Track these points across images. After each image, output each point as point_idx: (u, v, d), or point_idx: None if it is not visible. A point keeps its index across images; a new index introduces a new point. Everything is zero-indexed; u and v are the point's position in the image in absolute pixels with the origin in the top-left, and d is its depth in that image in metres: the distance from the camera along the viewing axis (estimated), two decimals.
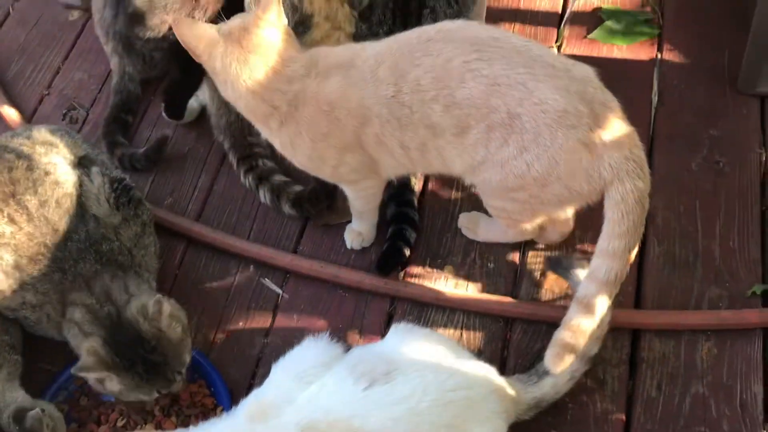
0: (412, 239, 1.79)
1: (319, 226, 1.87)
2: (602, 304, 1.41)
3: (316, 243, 1.86)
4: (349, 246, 1.82)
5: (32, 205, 1.53)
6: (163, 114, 2.03)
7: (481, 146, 1.42)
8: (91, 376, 1.46)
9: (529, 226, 1.62)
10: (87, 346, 1.46)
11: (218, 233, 1.86)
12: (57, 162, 1.61)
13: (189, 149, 2.03)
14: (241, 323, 1.76)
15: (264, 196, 1.89)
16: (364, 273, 1.76)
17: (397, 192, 1.82)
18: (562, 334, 1.42)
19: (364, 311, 1.74)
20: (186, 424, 1.55)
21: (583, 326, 1.41)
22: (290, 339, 1.70)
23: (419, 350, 1.40)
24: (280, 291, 1.79)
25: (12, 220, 1.52)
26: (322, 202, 1.83)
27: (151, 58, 1.99)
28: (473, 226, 1.80)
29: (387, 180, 1.66)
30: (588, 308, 1.41)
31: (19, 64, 2.23)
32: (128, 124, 2.06)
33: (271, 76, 1.42)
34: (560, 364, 1.41)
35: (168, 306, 1.50)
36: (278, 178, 1.90)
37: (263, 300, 1.79)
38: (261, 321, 1.76)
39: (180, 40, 1.42)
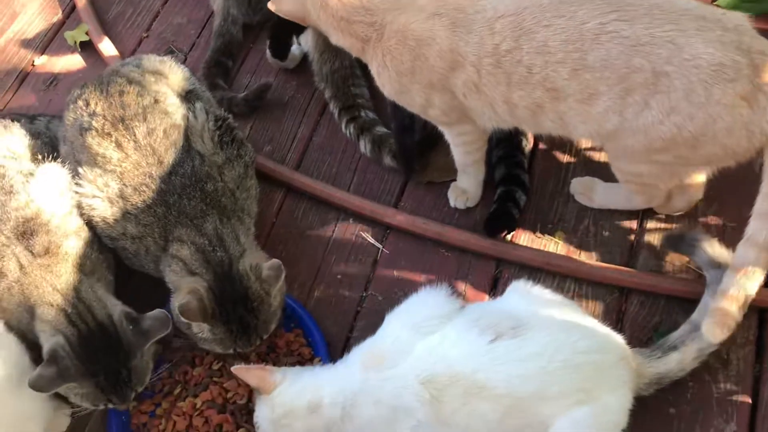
0: (522, 202, 1.70)
1: (422, 183, 1.80)
2: (762, 270, 1.31)
3: (417, 200, 1.78)
4: (452, 204, 1.74)
5: (140, 132, 1.48)
6: (267, 52, 1.97)
7: (614, 113, 1.33)
8: (190, 321, 1.41)
9: (662, 191, 1.52)
10: (191, 286, 1.41)
11: (319, 183, 1.79)
12: (166, 92, 1.57)
13: (289, 98, 1.98)
14: (339, 276, 1.69)
15: (365, 146, 1.82)
16: (470, 233, 1.68)
17: (507, 153, 1.74)
18: (722, 303, 1.33)
19: (467, 273, 1.66)
20: None
21: (742, 294, 1.31)
22: (390, 295, 1.64)
23: (545, 309, 1.31)
24: (380, 246, 1.73)
25: (119, 146, 1.48)
26: (408, 159, 1.77)
27: (258, 0, 1.94)
28: (588, 192, 1.70)
29: (487, 131, 1.57)
30: (747, 275, 1.31)
31: (120, 5, 2.21)
32: (228, 68, 2.01)
33: (351, 11, 1.44)
34: (721, 334, 1.33)
35: (283, 274, 1.45)
36: (380, 129, 1.83)
37: (363, 254, 1.72)
38: (360, 275, 1.69)
39: (284, 15, 1.51)
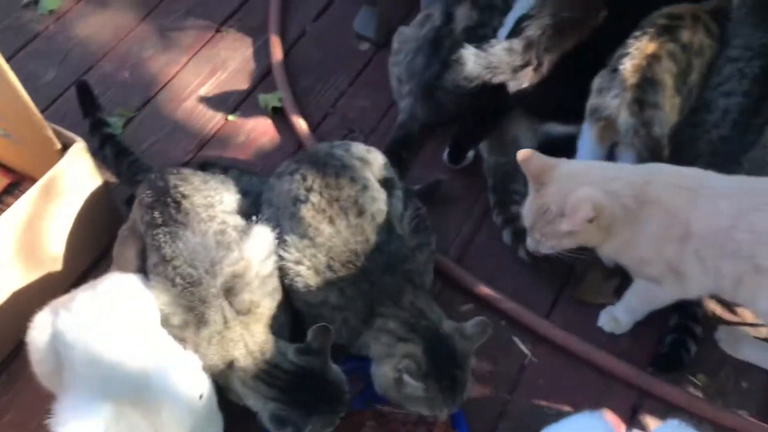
0: (692, 352, 1.78)
1: (575, 301, 1.91)
2: None
3: (567, 315, 1.90)
4: (600, 324, 1.86)
5: (352, 213, 1.65)
6: (445, 157, 2.14)
7: None
8: (411, 383, 1.52)
9: None
10: (407, 350, 1.55)
11: (477, 281, 1.92)
12: (371, 179, 1.74)
13: (456, 197, 2.12)
14: (486, 373, 1.81)
15: (507, 237, 1.97)
16: (622, 361, 1.78)
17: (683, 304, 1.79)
18: None
19: (609, 397, 1.76)
20: None
21: None
22: (533, 404, 1.75)
23: None
24: (529, 354, 1.84)
25: (332, 222, 1.64)
26: None
27: (444, 108, 2.12)
28: (733, 342, 1.80)
29: (687, 297, 1.68)
30: None
31: (308, 79, 2.40)
32: (403, 159, 2.17)
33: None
34: None
35: (489, 330, 1.59)
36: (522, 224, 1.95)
37: (511, 357, 1.84)
38: (506, 377, 1.81)
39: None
